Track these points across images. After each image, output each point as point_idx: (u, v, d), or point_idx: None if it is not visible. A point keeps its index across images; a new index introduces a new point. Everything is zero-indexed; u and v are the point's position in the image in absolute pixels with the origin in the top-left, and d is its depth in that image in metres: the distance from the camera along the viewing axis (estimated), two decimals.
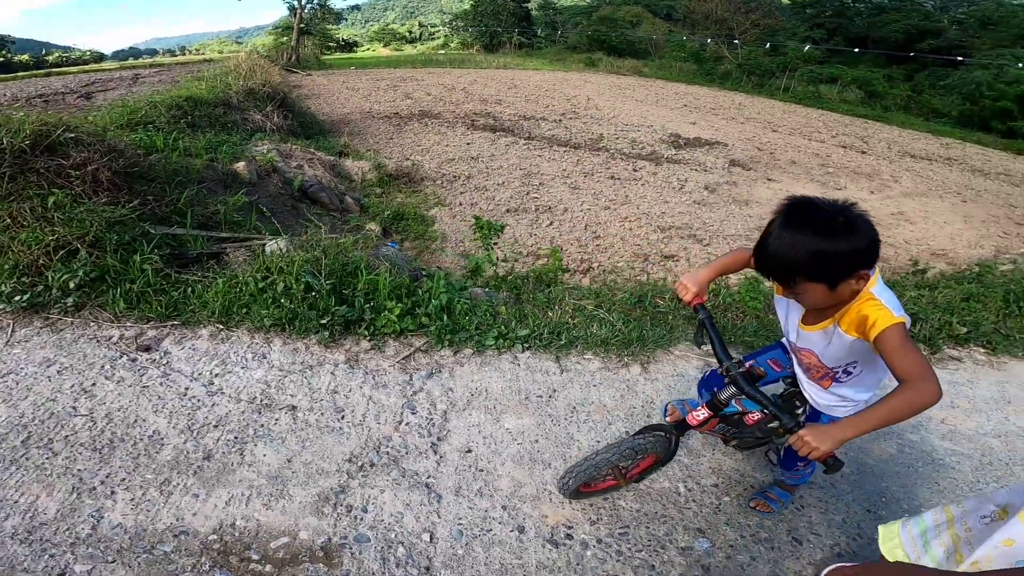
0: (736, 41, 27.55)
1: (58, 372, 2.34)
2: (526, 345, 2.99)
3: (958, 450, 2.69)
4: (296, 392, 2.40)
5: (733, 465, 2.29)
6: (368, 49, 54.36)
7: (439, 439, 2.27)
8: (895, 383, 1.31)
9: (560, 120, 12.77)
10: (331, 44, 34.81)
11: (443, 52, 35.29)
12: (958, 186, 11.10)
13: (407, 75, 19.77)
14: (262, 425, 2.18)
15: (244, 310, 2.89)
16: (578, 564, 1.80)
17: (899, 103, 22.75)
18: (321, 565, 1.68)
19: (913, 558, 1.43)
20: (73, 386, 2.26)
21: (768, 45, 26.13)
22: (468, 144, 10.33)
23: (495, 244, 4.05)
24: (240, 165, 5.82)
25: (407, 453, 2.16)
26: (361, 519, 1.84)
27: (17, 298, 2.69)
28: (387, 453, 2.15)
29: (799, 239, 1.31)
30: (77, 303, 2.75)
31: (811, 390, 1.73)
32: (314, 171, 7.45)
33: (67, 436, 2.01)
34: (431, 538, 1.82)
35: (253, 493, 1.87)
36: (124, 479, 1.87)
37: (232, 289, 2.97)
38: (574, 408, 2.60)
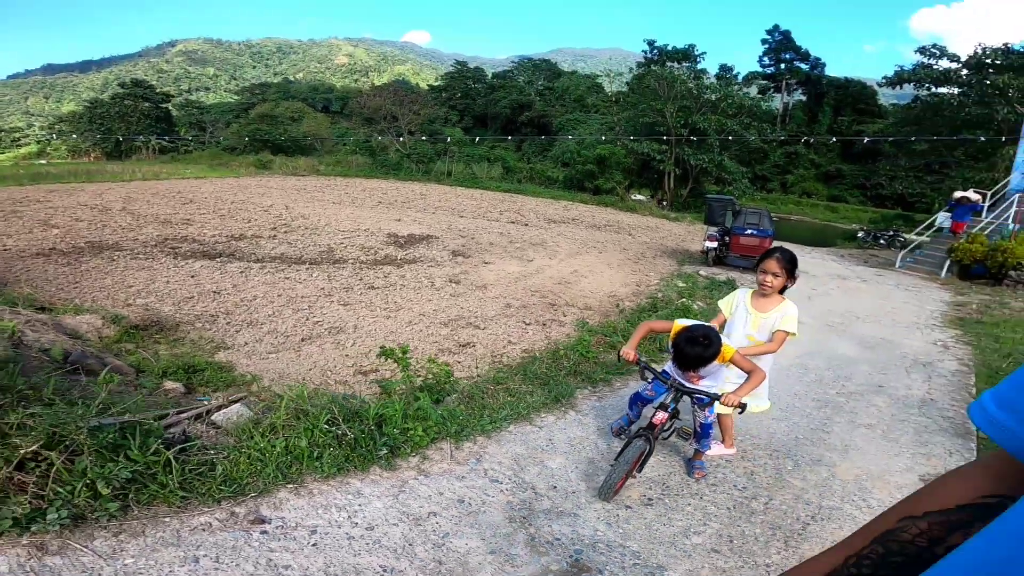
0: (410, 133, 29.82)
1: (214, 561, 2.36)
2: (506, 422, 4.08)
3: None
4: (420, 505, 2.98)
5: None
6: None
7: (534, 487, 3.25)
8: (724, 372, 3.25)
9: (275, 235, 12.78)
10: None
11: (45, 162, 28.64)
12: (593, 241, 15.57)
13: (16, 195, 15.64)
14: (459, 532, 2.78)
15: (291, 467, 3.14)
16: (668, 506, 3.16)
17: (525, 175, 28.62)
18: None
19: None
20: (257, 567, 2.36)
21: (437, 138, 29.64)
22: (193, 277, 9.47)
23: (409, 362, 4.85)
24: None
25: (530, 502, 3.10)
26: (561, 543, 2.77)
27: (52, 516, 2.37)
28: (520, 507, 3.05)
29: (695, 355, 2.94)
30: (123, 506, 2.58)
31: (689, 385, 3.38)
32: (47, 336, 6.27)
33: None
34: (602, 533, 2.88)
35: (500, 568, 2.58)
36: None
37: (261, 456, 3.15)
38: (572, 443, 3.88)
